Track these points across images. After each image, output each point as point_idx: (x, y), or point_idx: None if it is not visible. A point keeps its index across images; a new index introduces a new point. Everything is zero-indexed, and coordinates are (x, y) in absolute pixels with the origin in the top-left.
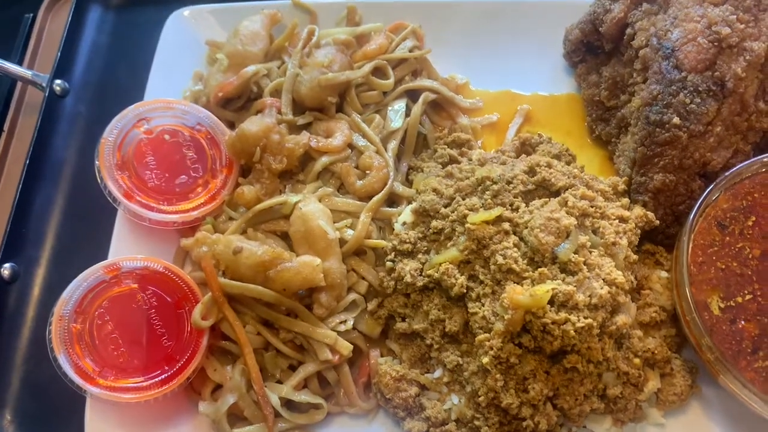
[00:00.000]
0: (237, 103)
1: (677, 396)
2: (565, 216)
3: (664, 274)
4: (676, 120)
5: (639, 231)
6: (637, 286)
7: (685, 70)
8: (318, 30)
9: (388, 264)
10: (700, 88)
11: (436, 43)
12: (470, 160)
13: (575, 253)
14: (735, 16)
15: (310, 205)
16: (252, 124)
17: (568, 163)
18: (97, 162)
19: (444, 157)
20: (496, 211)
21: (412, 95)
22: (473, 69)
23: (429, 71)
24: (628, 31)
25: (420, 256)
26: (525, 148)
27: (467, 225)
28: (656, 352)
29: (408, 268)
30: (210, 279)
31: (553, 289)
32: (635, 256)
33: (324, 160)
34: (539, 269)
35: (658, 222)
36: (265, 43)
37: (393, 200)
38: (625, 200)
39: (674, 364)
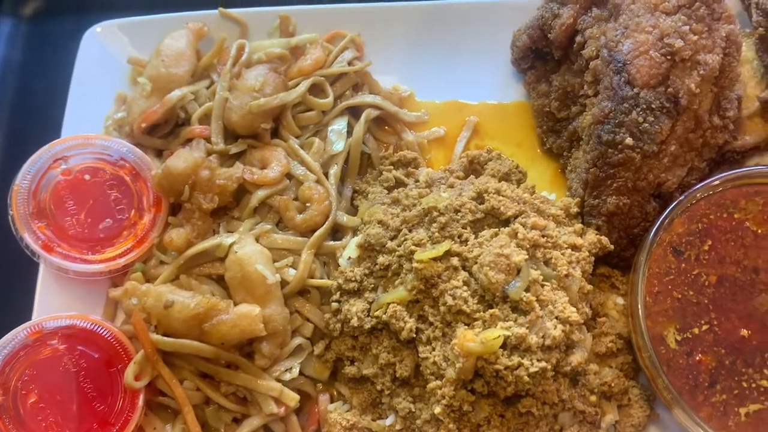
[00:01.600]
0: (164, 128)
1: (634, 427)
2: (516, 251)
3: (620, 300)
4: (628, 140)
5: (593, 258)
6: (593, 313)
7: (637, 86)
8: (248, 45)
9: (334, 305)
10: (653, 106)
11: (378, 51)
12: (417, 181)
13: (527, 290)
14: (688, 27)
15: (246, 248)
16: (179, 160)
17: (519, 182)
18: (10, 212)
19: (389, 181)
20: (444, 246)
21: (354, 111)
22: (418, 78)
23: (370, 85)
24: (578, 38)
25: (367, 294)
26: (473, 166)
27: (414, 264)
28: (613, 384)
29: (354, 309)
30: (141, 336)
31: (504, 333)
32: (589, 287)
33: (260, 194)
34: (490, 311)
35: (612, 247)
36: (190, 62)
37: (338, 230)
38: (578, 225)
39: (632, 393)
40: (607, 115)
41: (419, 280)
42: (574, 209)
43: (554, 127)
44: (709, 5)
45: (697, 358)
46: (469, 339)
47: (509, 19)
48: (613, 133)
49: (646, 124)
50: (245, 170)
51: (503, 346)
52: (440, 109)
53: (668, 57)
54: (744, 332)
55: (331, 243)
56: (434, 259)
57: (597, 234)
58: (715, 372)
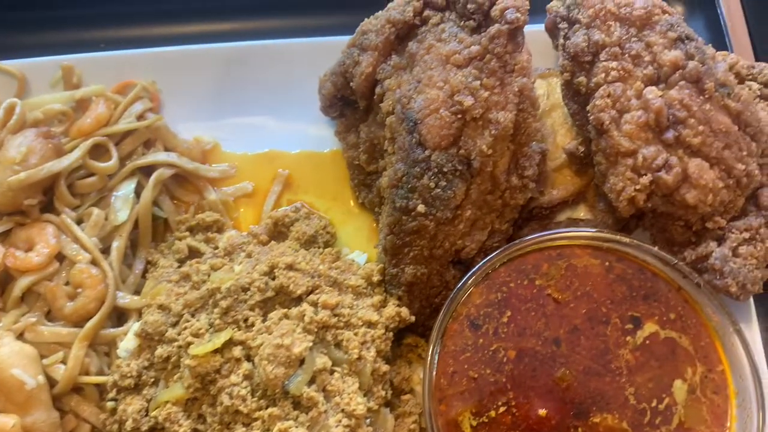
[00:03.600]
0: None
1: None
2: (300, 338)
3: None
4: (421, 208)
5: (391, 334)
6: (397, 390)
7: (428, 148)
8: (20, 104)
9: (110, 404)
10: (445, 169)
11: (178, 100)
12: (216, 248)
13: (312, 381)
14: (479, 81)
15: (2, 348)
16: None
17: (326, 244)
18: None
19: (181, 252)
20: (223, 337)
21: (149, 171)
22: (225, 127)
23: (165, 139)
24: (378, 89)
25: (147, 390)
26: (279, 228)
27: (188, 361)
28: None
29: (131, 409)
30: None
31: None
32: (386, 367)
33: (23, 282)
34: (270, 410)
35: (413, 319)
36: None
37: (122, 312)
38: (377, 297)
39: None
40: (400, 179)
41: (194, 377)
42: (377, 277)
43: (365, 181)
44: (501, 57)
45: None
46: None
47: (321, 61)
48: (406, 198)
49: (439, 190)
50: (6, 254)
51: None
52: (251, 162)
53: (459, 116)
54: (542, 412)
55: (111, 331)
56: (214, 352)
57: (397, 305)
58: None
